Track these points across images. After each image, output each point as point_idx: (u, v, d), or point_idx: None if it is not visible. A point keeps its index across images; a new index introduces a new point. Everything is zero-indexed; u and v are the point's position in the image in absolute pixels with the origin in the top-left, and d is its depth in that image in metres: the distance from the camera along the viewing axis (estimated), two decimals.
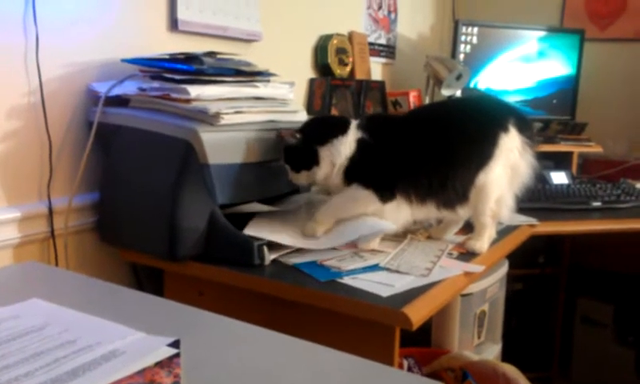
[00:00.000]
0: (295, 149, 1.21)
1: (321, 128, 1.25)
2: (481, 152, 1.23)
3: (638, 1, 2.50)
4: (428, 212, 1.23)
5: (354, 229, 1.18)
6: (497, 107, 1.31)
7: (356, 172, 1.19)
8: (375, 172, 1.19)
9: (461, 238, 1.32)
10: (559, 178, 2.06)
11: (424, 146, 1.21)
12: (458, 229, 1.35)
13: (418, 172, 1.20)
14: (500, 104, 1.35)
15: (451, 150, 1.22)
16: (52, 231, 1.19)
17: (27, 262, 1.03)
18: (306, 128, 1.24)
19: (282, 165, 1.24)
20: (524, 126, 1.27)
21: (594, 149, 2.33)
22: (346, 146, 1.19)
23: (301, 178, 1.23)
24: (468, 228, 1.33)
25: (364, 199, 1.18)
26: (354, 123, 1.23)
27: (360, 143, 1.20)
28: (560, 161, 2.23)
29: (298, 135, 1.20)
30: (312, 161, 1.20)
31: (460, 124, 1.25)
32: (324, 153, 1.20)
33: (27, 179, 1.17)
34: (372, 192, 1.18)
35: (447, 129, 1.24)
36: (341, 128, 1.21)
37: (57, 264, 1.20)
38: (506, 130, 1.24)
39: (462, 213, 1.26)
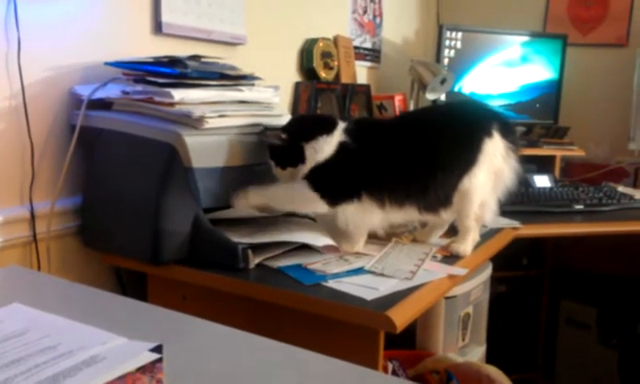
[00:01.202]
0: (282, 146, 1.21)
1: (308, 125, 1.25)
2: (465, 157, 1.24)
3: (619, 6, 2.54)
4: (408, 215, 1.23)
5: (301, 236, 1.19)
6: (481, 112, 1.32)
7: (320, 173, 1.18)
8: (337, 177, 1.19)
9: (445, 241, 1.33)
10: (542, 181, 2.09)
11: (406, 150, 1.22)
12: (442, 232, 1.36)
13: (397, 177, 1.20)
14: (484, 109, 1.36)
15: (434, 155, 1.22)
16: (34, 235, 1.18)
17: (9, 266, 1.02)
18: (292, 126, 1.24)
19: (266, 163, 1.24)
20: (508, 131, 1.28)
21: (577, 152, 2.36)
22: (329, 145, 1.19)
23: (285, 175, 1.23)
24: (452, 231, 1.34)
25: (309, 200, 1.18)
26: (341, 125, 1.23)
27: (340, 146, 1.20)
28: (543, 164, 2.26)
29: (283, 135, 1.20)
30: (298, 158, 1.20)
31: (444, 129, 1.25)
32: (309, 150, 1.19)
33: (9, 183, 1.16)
34: (319, 195, 1.17)
35: (431, 134, 1.24)
36: (328, 127, 1.21)
37: (39, 268, 1.19)
38: (490, 135, 1.25)
39: (446, 216, 1.27)
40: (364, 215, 1.20)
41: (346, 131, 1.22)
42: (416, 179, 1.21)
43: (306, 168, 1.20)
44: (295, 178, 1.22)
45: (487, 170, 1.25)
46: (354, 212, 1.19)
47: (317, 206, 1.18)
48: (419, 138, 1.24)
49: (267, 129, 1.23)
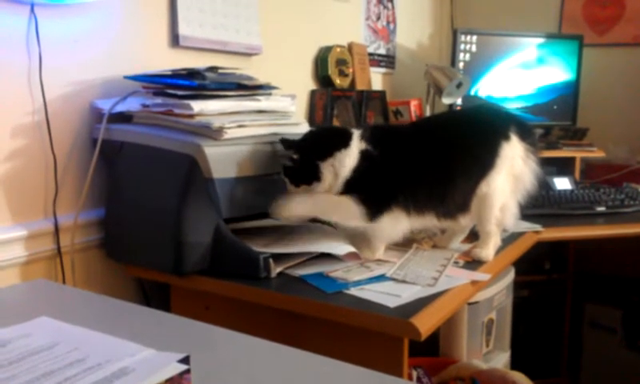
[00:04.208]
0: (295, 164, 1.20)
1: (322, 142, 1.22)
2: (483, 162, 1.23)
3: (636, 6, 2.51)
4: (427, 222, 1.22)
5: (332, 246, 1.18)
6: (498, 116, 1.31)
7: (356, 185, 1.17)
8: (373, 188, 1.18)
9: (466, 247, 1.32)
10: (562, 183, 2.06)
11: (425, 157, 1.21)
12: (463, 237, 1.35)
13: (418, 184, 1.20)
14: (501, 112, 1.35)
15: (452, 161, 1.22)
16: (59, 248, 1.20)
17: (35, 279, 1.03)
18: (305, 143, 1.22)
19: (280, 178, 1.23)
20: (526, 134, 1.27)
21: (597, 154, 2.33)
22: (350, 157, 1.18)
23: (300, 192, 1.21)
24: (473, 236, 1.33)
25: (353, 214, 1.17)
26: (356, 133, 1.22)
27: (363, 155, 1.19)
28: (563, 166, 2.23)
29: (295, 156, 1.18)
30: (313, 176, 1.18)
31: (461, 135, 1.25)
32: (326, 167, 1.18)
33: (33, 197, 1.18)
34: (363, 210, 1.16)
35: (449, 140, 1.24)
36: (343, 140, 1.20)
37: (64, 281, 1.20)
38: (507, 138, 1.24)
39: (464, 222, 1.26)
40: (395, 225, 1.19)
41: (364, 138, 1.21)
42: (435, 186, 1.20)
43: (325, 184, 1.18)
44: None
45: (506, 174, 1.24)
46: (388, 222, 1.18)
47: (357, 221, 1.17)
48: (438, 144, 1.23)
49: (283, 140, 1.22)
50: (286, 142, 1.21)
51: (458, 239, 1.34)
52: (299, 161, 1.19)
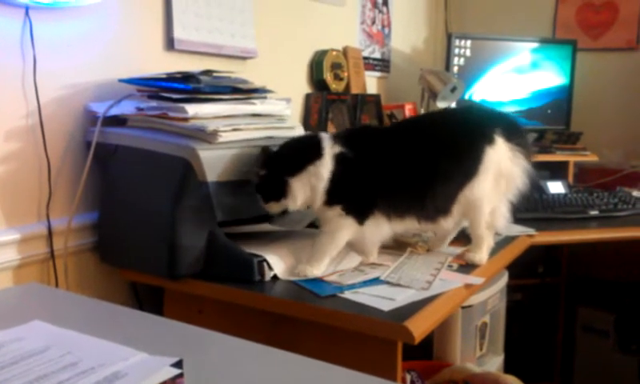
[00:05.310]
0: (263, 181, 1.16)
1: (291, 156, 1.17)
2: (465, 168, 1.21)
3: (628, 10, 2.53)
4: (408, 226, 1.21)
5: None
6: (483, 118, 1.28)
7: (337, 193, 1.15)
8: (355, 194, 1.16)
9: (460, 250, 1.33)
10: (556, 187, 2.07)
11: (405, 161, 1.19)
12: (452, 238, 1.34)
13: (398, 188, 1.18)
14: (486, 114, 1.31)
15: (433, 166, 1.19)
16: (52, 252, 1.19)
17: (28, 283, 1.03)
18: (273, 158, 1.17)
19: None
20: (513, 134, 1.24)
21: (590, 158, 2.34)
22: (325, 167, 1.14)
23: (272, 208, 1.17)
24: (467, 239, 1.33)
25: (347, 228, 1.16)
26: (327, 139, 1.17)
27: (338, 159, 1.15)
28: (556, 170, 2.24)
29: (262, 172, 1.15)
30: (281, 193, 1.14)
31: (444, 138, 1.22)
32: (298, 183, 1.14)
33: (26, 200, 1.17)
34: (352, 218, 1.15)
35: (430, 143, 1.21)
36: (315, 151, 1.15)
37: (57, 285, 1.20)
38: (491, 142, 1.21)
39: (447, 225, 1.24)
40: (376, 228, 1.18)
41: (338, 141, 1.17)
42: (415, 190, 1.18)
43: (298, 202, 1.14)
44: (284, 210, 1.17)
45: (494, 178, 1.22)
46: (371, 226, 1.17)
47: (351, 229, 1.16)
48: (419, 148, 1.20)
49: (265, 148, 1.18)
50: (262, 155, 1.18)
51: (447, 240, 1.34)
52: (266, 177, 1.15)
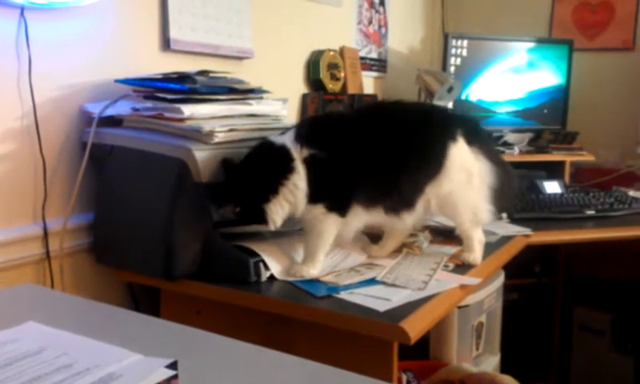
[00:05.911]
0: (239, 216, 1.14)
1: (262, 181, 1.13)
2: (429, 162, 1.21)
3: (625, 10, 2.53)
4: (376, 217, 1.20)
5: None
6: (446, 118, 1.29)
7: (316, 194, 1.14)
8: (333, 191, 1.15)
9: (456, 249, 1.33)
10: (552, 187, 2.08)
11: (374, 153, 1.18)
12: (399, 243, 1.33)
13: (370, 178, 1.17)
14: (449, 115, 1.34)
15: (400, 157, 1.19)
16: (47, 253, 1.19)
17: (23, 284, 1.03)
18: (245, 189, 1.12)
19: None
20: (473, 136, 1.25)
21: (586, 157, 2.34)
22: (299, 178, 1.13)
23: (259, 229, 1.17)
24: (459, 240, 1.32)
25: (332, 224, 1.16)
26: (291, 144, 1.14)
27: (308, 162, 1.13)
28: (552, 170, 2.24)
29: (237, 209, 1.13)
30: (261, 219, 1.12)
31: (409, 132, 1.21)
32: (275, 206, 1.12)
33: (22, 201, 1.17)
34: (335, 214, 1.15)
35: (396, 136, 1.20)
36: (284, 166, 1.13)
37: (52, 286, 1.20)
38: (454, 140, 1.22)
39: (410, 220, 1.23)
40: (356, 218, 1.18)
41: (302, 142, 1.15)
42: (385, 180, 1.18)
43: (278, 221, 1.13)
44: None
45: (465, 175, 1.22)
46: (352, 217, 1.17)
47: (336, 224, 1.16)
48: (387, 138, 1.19)
49: (225, 160, 1.14)
50: (223, 166, 1.14)
51: (399, 242, 1.33)
52: (242, 211, 1.13)
